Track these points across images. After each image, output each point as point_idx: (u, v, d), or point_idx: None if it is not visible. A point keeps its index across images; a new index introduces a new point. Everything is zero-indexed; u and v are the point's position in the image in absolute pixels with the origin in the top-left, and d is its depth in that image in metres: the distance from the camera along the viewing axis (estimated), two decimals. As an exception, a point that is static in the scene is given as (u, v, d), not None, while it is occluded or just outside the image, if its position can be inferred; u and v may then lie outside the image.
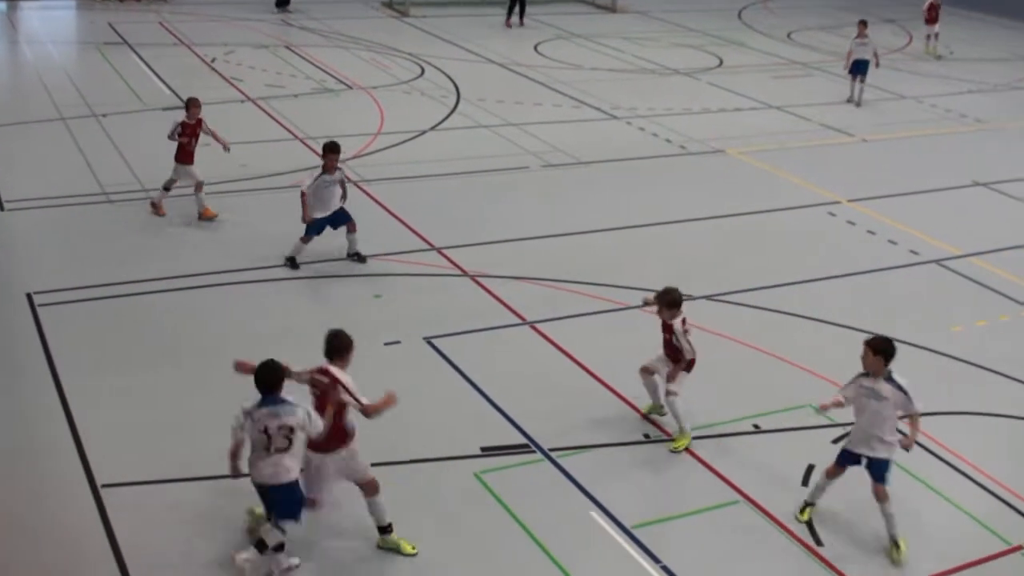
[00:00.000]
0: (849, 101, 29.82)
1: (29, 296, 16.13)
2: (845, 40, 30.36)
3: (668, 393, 13.41)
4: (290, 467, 10.50)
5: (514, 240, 19.07)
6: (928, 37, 37.09)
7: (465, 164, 23.01)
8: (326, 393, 10.76)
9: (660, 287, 12.55)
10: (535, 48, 35.04)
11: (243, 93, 27.07)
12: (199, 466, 12.32)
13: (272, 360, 10.62)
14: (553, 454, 13.03)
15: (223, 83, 28.20)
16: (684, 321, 13.25)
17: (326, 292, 16.86)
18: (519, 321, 16.33)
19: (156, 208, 19.28)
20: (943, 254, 19.76)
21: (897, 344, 11.56)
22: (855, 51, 29.53)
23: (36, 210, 19.33)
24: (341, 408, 10.78)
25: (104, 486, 12.02)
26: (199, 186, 19.08)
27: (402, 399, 14.01)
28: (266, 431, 10.37)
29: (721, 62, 34.61)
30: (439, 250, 18.30)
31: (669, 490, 12.64)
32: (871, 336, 11.81)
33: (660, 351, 13.62)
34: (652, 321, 16.37)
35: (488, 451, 12.97)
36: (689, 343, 13.23)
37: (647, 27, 39.75)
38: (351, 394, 10.72)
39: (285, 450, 10.44)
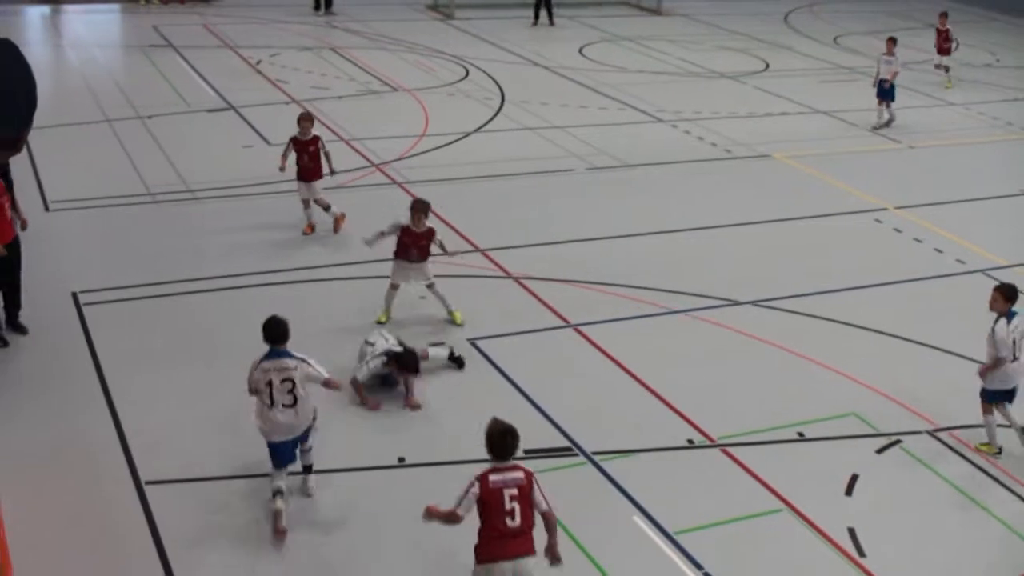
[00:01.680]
0: (875, 129, 27.68)
1: (75, 295, 16.24)
2: (892, 45, 29.93)
3: (431, 285, 15.92)
4: (293, 424, 11.41)
5: (558, 243, 19.03)
6: (937, 67, 33.28)
7: (509, 166, 23.00)
8: (525, 492, 9.80)
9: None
10: (580, 51, 34.97)
11: (288, 95, 27.15)
12: (241, 464, 12.41)
13: (276, 316, 11.55)
14: (596, 457, 13.00)
15: (268, 85, 28.29)
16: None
17: (369, 293, 16.79)
18: (563, 323, 16.29)
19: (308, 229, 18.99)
20: (989, 264, 19.53)
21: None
22: (881, 68, 27.72)
23: (81, 211, 19.44)
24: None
25: (148, 483, 12.11)
26: (319, 202, 18.86)
27: (444, 400, 14.15)
28: (270, 384, 11.26)
29: (767, 66, 34.43)
30: (483, 252, 18.30)
31: (712, 496, 12.55)
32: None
33: (412, 266, 15.84)
34: (694, 326, 16.40)
35: (531, 453, 12.90)
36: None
37: (692, 30, 39.60)
38: (545, 499, 9.83)
39: (291, 406, 11.31)
